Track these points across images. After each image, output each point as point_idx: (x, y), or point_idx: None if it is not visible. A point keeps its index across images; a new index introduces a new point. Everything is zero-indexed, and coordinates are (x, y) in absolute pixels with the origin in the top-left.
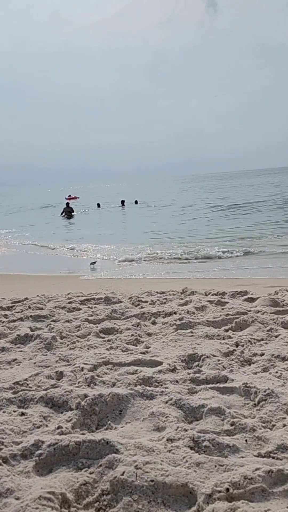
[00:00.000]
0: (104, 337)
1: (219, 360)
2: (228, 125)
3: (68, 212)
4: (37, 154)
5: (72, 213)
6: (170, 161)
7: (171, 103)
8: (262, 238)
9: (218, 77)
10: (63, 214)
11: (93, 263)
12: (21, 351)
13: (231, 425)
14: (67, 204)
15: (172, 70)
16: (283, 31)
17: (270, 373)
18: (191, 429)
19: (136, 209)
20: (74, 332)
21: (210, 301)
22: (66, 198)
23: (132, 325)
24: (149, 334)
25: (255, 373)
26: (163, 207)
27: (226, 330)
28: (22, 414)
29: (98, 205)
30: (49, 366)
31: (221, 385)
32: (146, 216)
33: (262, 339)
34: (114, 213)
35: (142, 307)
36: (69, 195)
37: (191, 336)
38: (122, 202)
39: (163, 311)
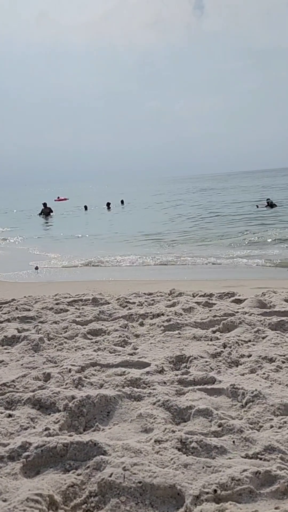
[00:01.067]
0: (91, 339)
1: (206, 362)
2: (214, 127)
3: (46, 213)
4: (22, 155)
5: (51, 213)
6: (156, 162)
7: (157, 104)
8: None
9: (205, 79)
10: (41, 214)
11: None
12: (8, 352)
13: (219, 426)
14: (45, 204)
15: (159, 71)
16: (269, 33)
17: (257, 374)
18: (178, 431)
19: (120, 211)
20: (61, 334)
21: (197, 303)
22: (55, 200)
23: (120, 327)
24: (137, 336)
25: (243, 375)
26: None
27: (214, 332)
28: (9, 415)
29: (86, 208)
30: (36, 368)
31: (209, 387)
32: (129, 218)
33: (250, 341)
34: (98, 215)
35: (129, 309)
36: (58, 197)
37: (179, 337)
38: (108, 204)
39: (150, 313)
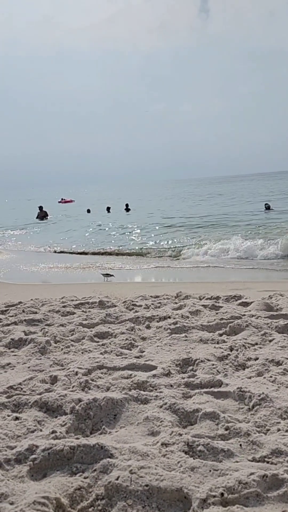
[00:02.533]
0: (98, 341)
1: (213, 365)
2: (219, 129)
3: (42, 217)
4: (29, 158)
5: (47, 217)
6: (161, 165)
7: (163, 107)
8: None
9: (210, 82)
10: (37, 217)
11: (107, 275)
12: (15, 355)
13: (226, 429)
14: (40, 208)
15: (164, 74)
16: (273, 36)
17: (264, 377)
18: (185, 434)
19: (122, 215)
20: (68, 336)
21: (204, 305)
22: (59, 202)
23: (127, 329)
24: (144, 338)
25: (250, 378)
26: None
27: (221, 335)
28: (16, 418)
29: (88, 211)
30: (43, 371)
31: (216, 390)
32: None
33: (256, 344)
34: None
35: (136, 311)
36: (62, 199)
37: (186, 340)
38: (108, 208)
39: (157, 315)
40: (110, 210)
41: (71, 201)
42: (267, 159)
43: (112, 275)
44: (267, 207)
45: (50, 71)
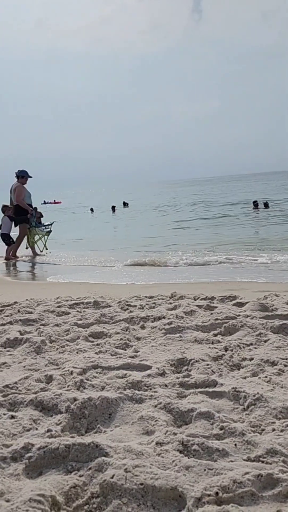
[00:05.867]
0: (93, 341)
1: (208, 365)
2: (214, 130)
3: (37, 218)
4: (23, 160)
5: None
6: (155, 166)
7: (156, 107)
8: None
9: (204, 83)
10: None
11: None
12: (10, 354)
13: (221, 429)
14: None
15: (157, 75)
16: (266, 37)
17: (259, 377)
18: (180, 433)
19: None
20: (63, 336)
21: (199, 306)
22: (51, 203)
23: (121, 329)
24: (138, 338)
25: (244, 378)
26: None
27: (215, 335)
28: (12, 417)
29: (92, 210)
30: (38, 370)
31: (210, 390)
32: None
33: (251, 344)
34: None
35: (131, 312)
36: (44, 201)
37: (180, 340)
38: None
39: (152, 316)
40: (116, 209)
41: (59, 202)
42: (263, 159)
43: None
44: (265, 205)
45: (44, 73)
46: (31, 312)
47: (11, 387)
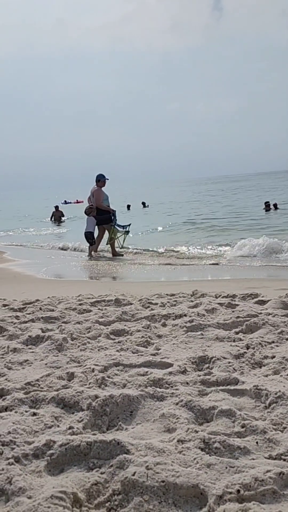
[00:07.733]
0: (114, 339)
1: (229, 363)
2: (235, 127)
3: (58, 217)
4: (46, 158)
5: (62, 218)
6: (176, 163)
7: (177, 106)
8: None
9: (224, 80)
10: (53, 219)
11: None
12: (32, 352)
13: (242, 427)
14: (56, 207)
15: (178, 73)
16: (286, 33)
17: (281, 375)
18: (201, 431)
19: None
20: (84, 334)
21: (220, 304)
22: (73, 203)
23: (142, 327)
24: (159, 336)
25: (266, 376)
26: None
27: (237, 333)
28: (34, 414)
29: (128, 207)
30: (60, 367)
31: (232, 387)
32: None
33: (273, 342)
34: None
35: (152, 309)
36: (76, 200)
37: (202, 338)
38: (128, 206)
39: (173, 313)
40: (130, 208)
41: (81, 201)
42: (283, 157)
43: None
44: (274, 206)
45: (63, 72)
46: (52, 310)
47: (33, 384)
